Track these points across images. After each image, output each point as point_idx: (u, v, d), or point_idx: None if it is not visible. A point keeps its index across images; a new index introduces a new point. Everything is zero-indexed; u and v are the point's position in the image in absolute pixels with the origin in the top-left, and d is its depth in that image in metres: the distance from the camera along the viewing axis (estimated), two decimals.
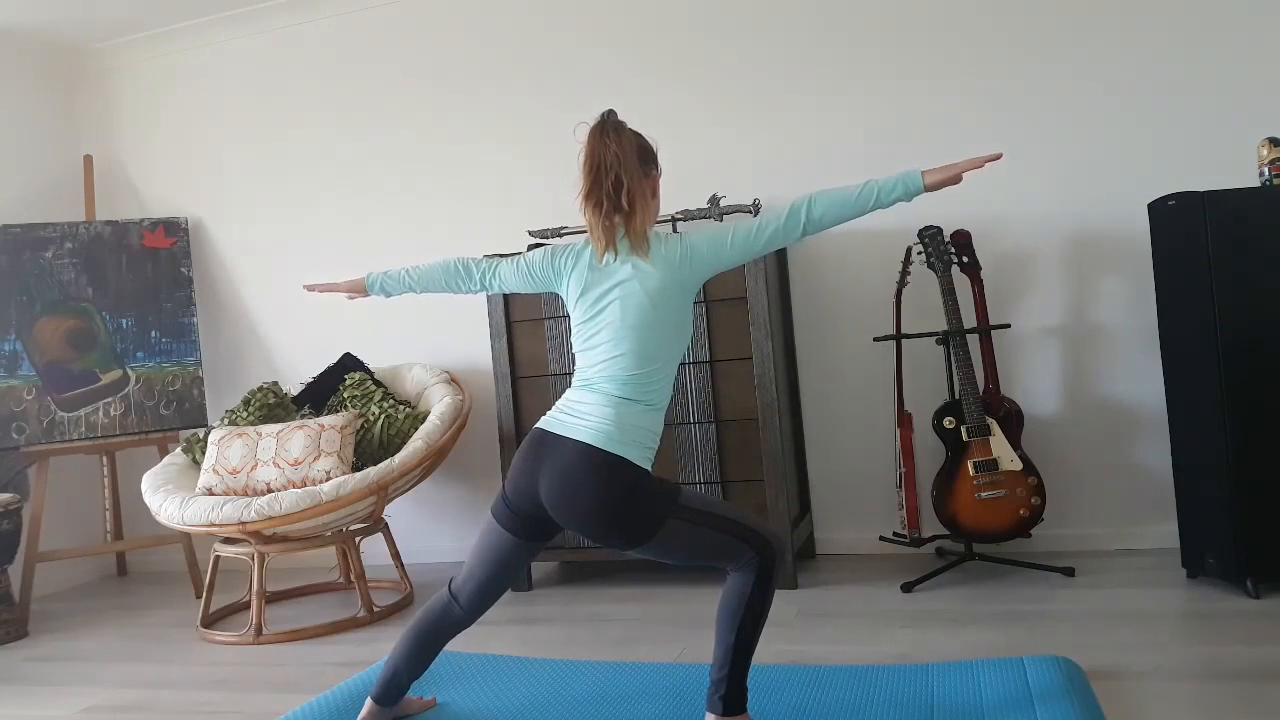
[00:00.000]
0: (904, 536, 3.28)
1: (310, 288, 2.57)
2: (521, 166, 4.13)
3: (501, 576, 2.15)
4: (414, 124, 4.28)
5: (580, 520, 2.00)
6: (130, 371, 4.31)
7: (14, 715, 2.77)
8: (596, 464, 1.97)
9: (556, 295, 3.52)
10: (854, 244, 3.66)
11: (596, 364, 2.08)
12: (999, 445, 3.19)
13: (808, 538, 3.71)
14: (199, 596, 3.96)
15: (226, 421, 3.75)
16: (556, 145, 4.05)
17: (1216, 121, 3.33)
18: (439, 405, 3.69)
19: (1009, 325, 3.40)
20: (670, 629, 3.00)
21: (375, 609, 3.44)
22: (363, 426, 3.68)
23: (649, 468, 2.04)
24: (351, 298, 2.49)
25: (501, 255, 2.42)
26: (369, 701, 2.23)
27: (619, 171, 2.03)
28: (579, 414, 2.03)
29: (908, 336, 3.38)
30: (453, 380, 3.95)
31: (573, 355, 3.50)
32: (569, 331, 3.54)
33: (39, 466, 4.08)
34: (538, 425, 2.10)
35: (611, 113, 2.11)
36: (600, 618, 3.20)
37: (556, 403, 2.12)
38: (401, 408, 3.76)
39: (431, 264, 2.36)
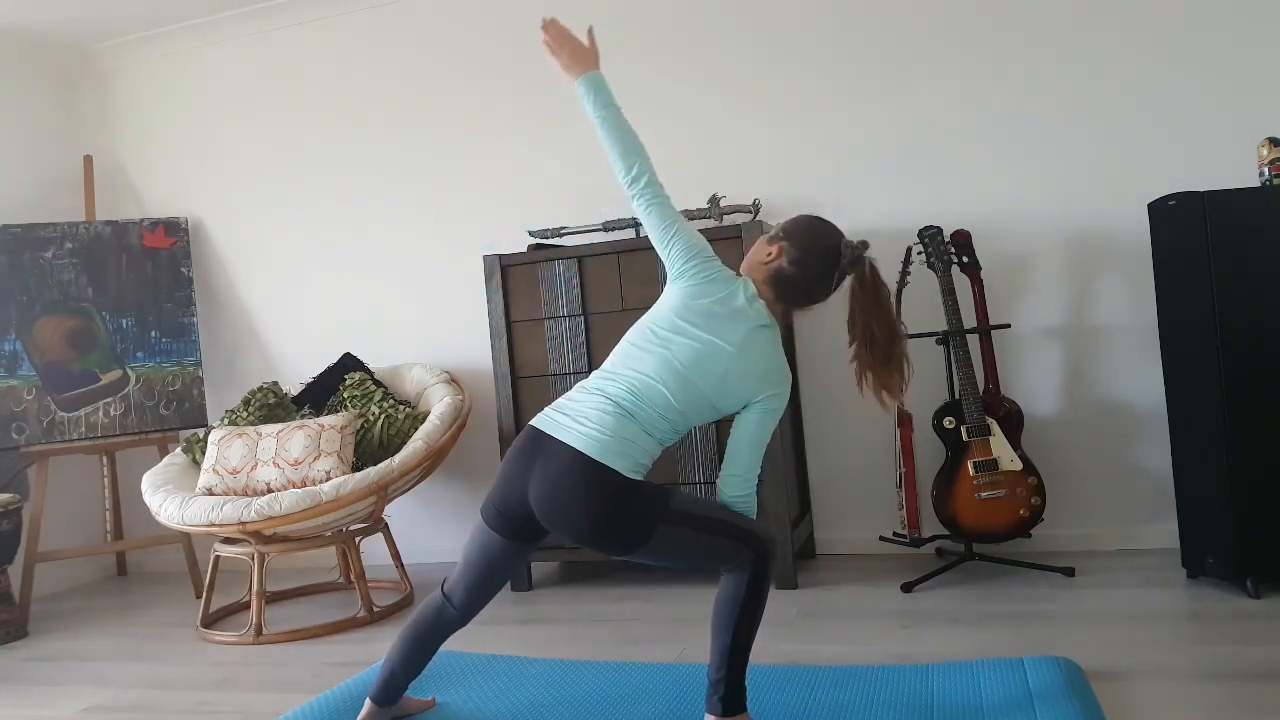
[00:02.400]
0: (904, 536, 3.28)
1: (549, 22, 2.14)
2: (522, 165, 4.13)
3: (493, 578, 2.12)
4: (414, 124, 4.28)
5: (570, 529, 1.96)
6: (130, 371, 4.31)
7: (14, 715, 2.77)
8: (586, 472, 1.92)
9: (555, 295, 3.57)
10: None
11: (630, 371, 2.03)
12: (999, 445, 3.19)
13: (808, 538, 3.70)
14: (199, 596, 3.96)
15: (226, 421, 3.75)
16: (557, 145, 4.06)
17: (1216, 121, 3.33)
18: (439, 405, 3.69)
19: (1009, 325, 3.40)
20: (670, 629, 3.00)
21: (375, 609, 3.44)
22: (363, 426, 3.68)
23: (640, 479, 1.99)
24: (566, 69, 2.15)
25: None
26: (368, 702, 2.22)
27: (891, 328, 2.12)
28: (576, 416, 1.99)
29: (908, 336, 3.37)
30: (453, 380, 3.95)
31: (572, 355, 3.54)
32: (569, 332, 3.54)
33: (39, 466, 4.08)
34: (532, 423, 2.05)
35: (865, 245, 2.09)
36: (600, 618, 3.20)
37: (559, 399, 2.08)
38: (401, 408, 3.76)
39: (635, 132, 2.11)
